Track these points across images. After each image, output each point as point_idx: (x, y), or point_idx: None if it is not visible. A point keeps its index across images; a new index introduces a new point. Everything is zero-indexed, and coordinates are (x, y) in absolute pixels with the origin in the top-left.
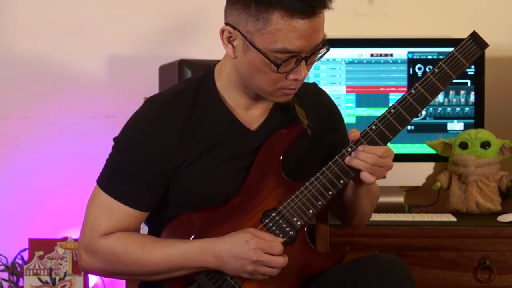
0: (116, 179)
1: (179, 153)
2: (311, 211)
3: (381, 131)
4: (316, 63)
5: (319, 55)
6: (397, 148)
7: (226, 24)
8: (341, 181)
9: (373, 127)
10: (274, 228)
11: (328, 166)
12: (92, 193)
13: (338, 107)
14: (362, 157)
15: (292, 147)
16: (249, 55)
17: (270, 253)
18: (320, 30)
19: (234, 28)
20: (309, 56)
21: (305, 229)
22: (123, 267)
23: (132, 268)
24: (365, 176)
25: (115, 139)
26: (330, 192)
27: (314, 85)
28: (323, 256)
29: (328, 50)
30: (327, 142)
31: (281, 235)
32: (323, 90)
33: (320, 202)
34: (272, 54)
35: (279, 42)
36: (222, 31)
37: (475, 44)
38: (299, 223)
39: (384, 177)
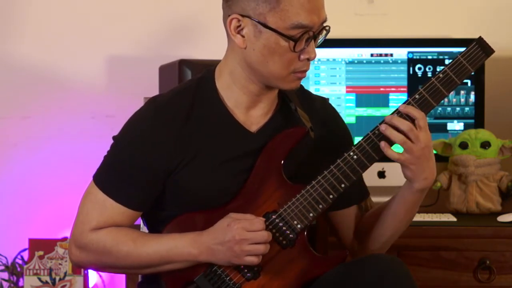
0: (111, 176)
1: (177, 153)
2: (311, 215)
3: (384, 137)
4: (316, 63)
5: (322, 36)
6: (397, 148)
7: (232, 14)
8: (343, 185)
9: (376, 131)
10: (274, 230)
11: (330, 169)
12: (87, 188)
13: (338, 107)
14: (396, 122)
15: (294, 150)
16: (262, 38)
17: (253, 230)
18: (324, 6)
19: (242, 15)
20: (317, 33)
21: (305, 232)
22: (114, 260)
23: (123, 261)
24: (400, 158)
25: (114, 138)
26: (331, 196)
27: (320, 97)
28: (322, 260)
29: (328, 31)
30: (329, 146)
31: (280, 238)
32: (331, 104)
33: (321, 206)
34: (286, 32)
35: (293, 17)
36: (230, 22)
37: (480, 50)
38: (299, 226)
39: (417, 156)
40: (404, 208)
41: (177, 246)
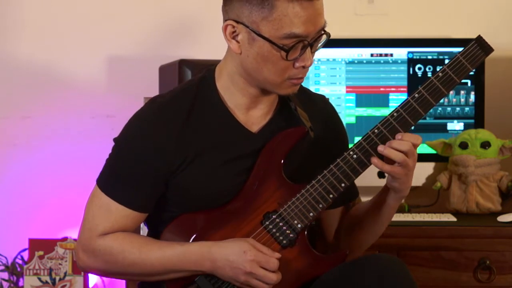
0: (114, 179)
1: (177, 154)
2: (311, 214)
3: (384, 135)
4: (316, 63)
5: (321, 42)
6: None
7: (228, 20)
8: (343, 184)
9: (376, 130)
10: (274, 230)
11: (330, 169)
12: (91, 192)
13: (338, 107)
14: (396, 146)
15: (294, 149)
16: (255, 46)
17: (265, 268)
18: (322, 14)
19: (237, 22)
20: (313, 42)
21: (306, 232)
22: (119, 267)
23: (128, 269)
24: (394, 171)
25: (115, 140)
26: (331, 195)
27: (320, 95)
28: (322, 260)
29: (329, 36)
30: (329, 145)
31: (281, 238)
32: (327, 99)
33: (321, 205)
34: (279, 41)
35: (286, 27)
36: (225, 27)
37: (480, 49)
38: (299, 225)
39: (410, 168)
40: (387, 215)
41: (182, 257)
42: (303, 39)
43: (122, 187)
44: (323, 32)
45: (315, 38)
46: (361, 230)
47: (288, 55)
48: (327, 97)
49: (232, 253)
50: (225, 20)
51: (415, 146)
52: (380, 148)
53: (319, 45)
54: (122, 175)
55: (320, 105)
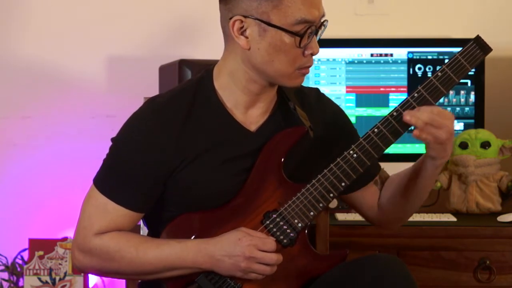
0: (111, 179)
1: (176, 154)
2: (312, 213)
3: (383, 135)
4: (316, 63)
5: (322, 30)
6: (397, 148)
7: (234, 16)
8: (343, 183)
9: (375, 130)
10: (274, 229)
11: (330, 168)
12: (88, 192)
13: None
14: (417, 114)
15: (294, 149)
16: (267, 37)
17: (263, 250)
18: (321, 0)
19: (245, 16)
20: (318, 27)
21: (306, 231)
22: (116, 266)
23: (126, 267)
24: (416, 133)
25: (112, 139)
26: (331, 195)
27: (317, 89)
28: (323, 259)
29: (326, 25)
30: (329, 144)
31: (281, 237)
32: (325, 95)
33: (321, 204)
34: (291, 28)
35: (296, 13)
36: (233, 23)
37: (478, 49)
38: (300, 225)
39: (442, 141)
40: (426, 181)
41: (180, 254)
42: (311, 25)
43: (119, 187)
44: (322, 21)
45: (319, 25)
46: (403, 197)
47: (302, 40)
48: (323, 93)
49: (228, 244)
50: (228, 18)
51: (442, 117)
52: (407, 116)
53: (320, 33)
54: (120, 175)
55: (315, 100)
